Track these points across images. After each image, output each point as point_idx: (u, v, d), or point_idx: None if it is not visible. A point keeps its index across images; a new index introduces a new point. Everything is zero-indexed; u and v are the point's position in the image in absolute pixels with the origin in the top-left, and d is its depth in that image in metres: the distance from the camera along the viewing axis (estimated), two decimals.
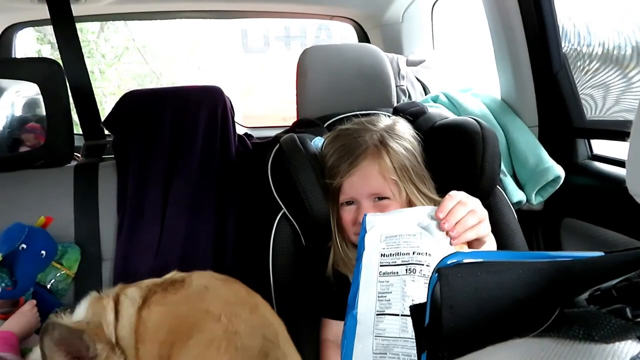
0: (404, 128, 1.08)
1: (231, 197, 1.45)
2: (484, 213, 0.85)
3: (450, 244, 0.79)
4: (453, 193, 0.84)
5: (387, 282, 0.76)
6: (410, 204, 1.02)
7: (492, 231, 1.09)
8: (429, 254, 0.76)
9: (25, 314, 1.15)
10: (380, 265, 0.78)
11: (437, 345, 0.39)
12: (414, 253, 0.77)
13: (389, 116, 1.15)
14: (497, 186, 1.14)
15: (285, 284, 1.10)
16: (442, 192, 1.04)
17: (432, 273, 0.41)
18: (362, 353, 0.73)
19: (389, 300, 0.75)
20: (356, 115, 1.18)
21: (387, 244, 0.80)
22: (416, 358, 0.66)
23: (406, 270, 0.75)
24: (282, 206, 1.12)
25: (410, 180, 1.01)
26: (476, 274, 0.39)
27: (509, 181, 1.34)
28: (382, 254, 0.79)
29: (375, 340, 0.73)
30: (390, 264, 0.77)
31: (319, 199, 1.04)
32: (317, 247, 1.10)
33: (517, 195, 1.33)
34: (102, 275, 1.39)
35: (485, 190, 1.08)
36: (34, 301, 1.20)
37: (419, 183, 1.02)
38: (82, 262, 1.36)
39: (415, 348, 0.44)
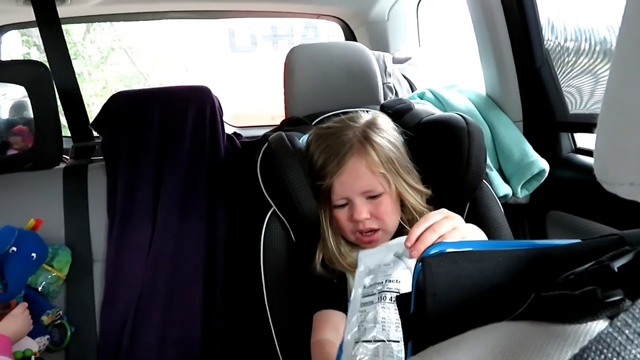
0: (385, 121, 1.10)
1: (221, 196, 1.46)
2: (459, 234, 0.81)
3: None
4: (424, 218, 0.82)
5: (365, 311, 0.80)
6: (400, 196, 1.04)
7: (479, 225, 1.11)
8: (399, 281, 0.79)
9: (17, 317, 1.15)
10: (362, 297, 0.82)
11: (422, 332, 0.40)
12: (386, 281, 0.80)
13: (367, 111, 1.15)
14: (484, 180, 1.16)
15: (277, 280, 1.11)
16: (429, 184, 1.08)
17: (416, 262, 0.42)
18: None
19: (365, 328, 0.78)
20: (345, 113, 1.19)
21: (369, 276, 0.83)
22: None
23: (378, 298, 0.79)
24: (272, 204, 1.14)
25: (397, 173, 1.02)
26: (458, 262, 0.40)
27: (494, 175, 1.36)
28: (364, 286, 0.82)
29: None
30: (369, 294, 0.81)
31: (308, 196, 1.06)
32: (307, 244, 1.11)
33: (503, 189, 1.35)
34: (93, 276, 1.39)
35: (471, 184, 1.10)
36: (26, 304, 1.20)
37: (405, 175, 1.04)
38: (73, 264, 1.36)
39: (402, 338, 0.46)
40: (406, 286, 0.77)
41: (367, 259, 0.86)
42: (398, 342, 0.74)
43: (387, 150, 1.02)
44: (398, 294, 0.74)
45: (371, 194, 1.01)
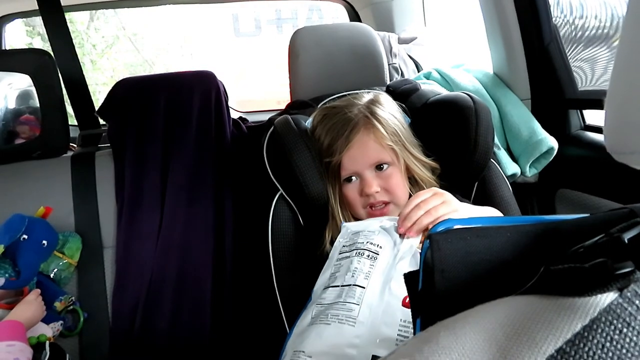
0: (387, 99, 1.12)
1: (228, 180, 1.46)
2: (446, 208, 0.86)
3: (405, 237, 0.86)
4: (414, 196, 0.89)
5: (340, 264, 0.87)
6: (408, 169, 1.07)
7: (488, 204, 1.11)
8: (380, 246, 0.85)
9: (30, 303, 1.16)
10: (339, 254, 0.89)
11: (430, 308, 0.40)
12: (367, 242, 0.86)
13: (369, 92, 1.18)
14: (492, 160, 1.15)
15: (285, 264, 1.12)
16: (437, 163, 1.09)
17: (425, 240, 0.42)
18: (305, 318, 0.85)
19: (336, 277, 0.85)
20: (350, 95, 1.18)
21: (350, 237, 0.90)
22: (343, 317, 0.77)
23: (356, 253, 0.85)
24: (279, 187, 1.13)
25: (403, 145, 1.05)
26: (466, 238, 0.40)
27: (503, 154, 1.35)
28: (343, 245, 0.90)
29: (316, 308, 0.84)
30: (347, 252, 0.88)
31: (314, 177, 1.05)
32: (315, 226, 1.12)
33: (512, 168, 1.34)
34: (104, 262, 1.40)
35: (479, 163, 1.10)
36: (38, 290, 1.21)
37: (411, 147, 1.06)
38: (84, 251, 1.37)
39: (411, 313, 0.46)
40: (386, 254, 0.83)
41: (351, 227, 0.93)
42: (364, 288, 0.79)
43: (392, 124, 1.05)
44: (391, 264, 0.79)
45: (380, 163, 1.03)
